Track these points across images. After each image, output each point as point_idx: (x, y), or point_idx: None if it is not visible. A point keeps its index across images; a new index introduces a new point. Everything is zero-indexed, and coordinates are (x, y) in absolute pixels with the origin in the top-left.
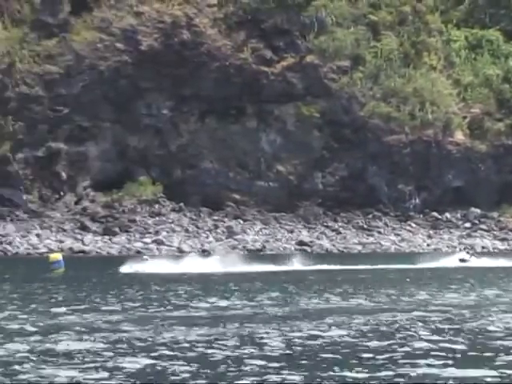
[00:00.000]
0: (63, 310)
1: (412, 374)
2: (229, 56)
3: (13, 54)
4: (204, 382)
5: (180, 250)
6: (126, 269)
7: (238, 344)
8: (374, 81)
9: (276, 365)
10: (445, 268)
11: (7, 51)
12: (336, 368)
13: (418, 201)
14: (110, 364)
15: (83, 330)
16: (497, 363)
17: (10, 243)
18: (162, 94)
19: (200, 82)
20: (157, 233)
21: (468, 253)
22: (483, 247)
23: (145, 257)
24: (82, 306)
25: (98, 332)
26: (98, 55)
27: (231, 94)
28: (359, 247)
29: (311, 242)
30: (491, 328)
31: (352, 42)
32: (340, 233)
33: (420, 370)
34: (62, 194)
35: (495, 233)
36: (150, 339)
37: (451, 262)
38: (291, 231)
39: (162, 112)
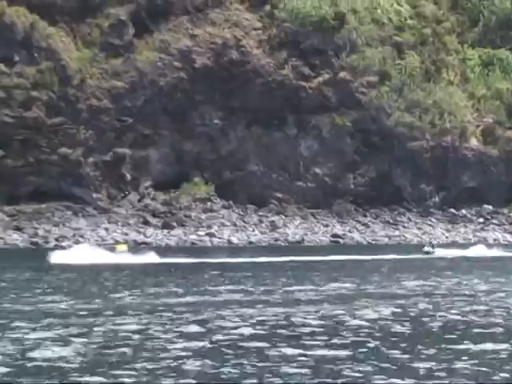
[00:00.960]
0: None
1: None
2: (272, 73)
3: (84, 71)
4: None
5: (230, 242)
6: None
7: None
8: (399, 94)
9: None
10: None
11: (79, 69)
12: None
13: (437, 199)
14: None
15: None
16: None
17: (82, 236)
18: (213, 105)
19: (247, 95)
20: (209, 227)
21: (431, 245)
22: (495, 239)
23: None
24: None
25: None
26: (158, 72)
27: (274, 106)
28: (386, 239)
29: (344, 234)
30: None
31: (379, 60)
32: (369, 227)
33: None
34: (126, 193)
35: (505, 227)
36: None
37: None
38: (326, 225)
39: (214, 121)
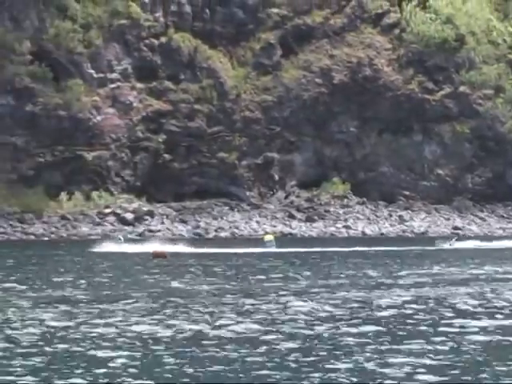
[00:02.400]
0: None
1: None
2: (400, 87)
3: (239, 87)
4: None
5: (363, 234)
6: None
7: None
8: None
9: None
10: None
11: (235, 85)
12: None
13: None
14: None
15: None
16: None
17: (237, 228)
18: (349, 116)
19: (378, 106)
20: (345, 220)
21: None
22: None
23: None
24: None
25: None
26: (302, 88)
27: (402, 116)
28: (500, 231)
29: (463, 227)
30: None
31: (495, 76)
32: (485, 220)
33: None
34: (274, 191)
35: None
36: None
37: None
38: (448, 219)
39: (350, 129)
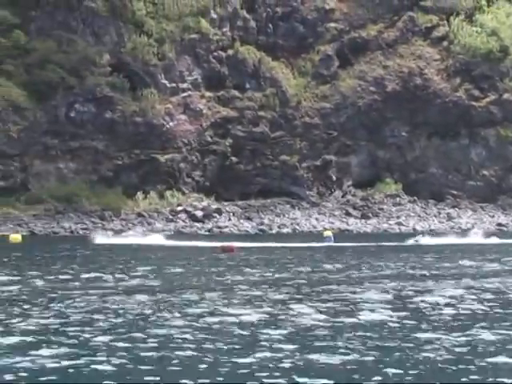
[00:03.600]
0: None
1: None
2: (448, 95)
3: (299, 95)
4: None
5: (414, 229)
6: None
7: None
8: None
9: None
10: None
11: (296, 93)
12: None
13: None
14: None
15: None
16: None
17: (297, 224)
18: (401, 121)
19: (428, 113)
20: (398, 217)
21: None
22: None
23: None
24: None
25: None
26: (357, 95)
27: (450, 121)
28: None
29: (507, 223)
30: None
31: None
32: None
33: None
34: (332, 190)
35: None
36: None
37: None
38: (492, 216)
39: (402, 134)
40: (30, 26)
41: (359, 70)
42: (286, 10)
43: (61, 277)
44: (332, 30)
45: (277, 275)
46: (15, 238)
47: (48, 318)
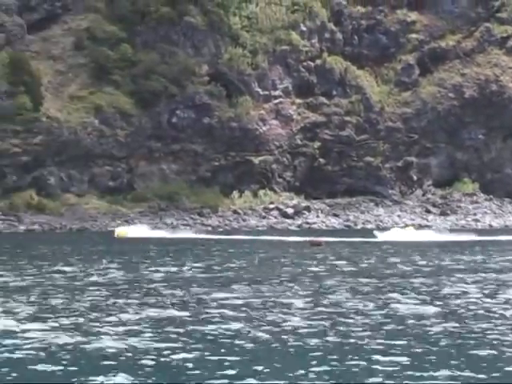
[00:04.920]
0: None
1: None
2: None
3: (383, 101)
4: None
5: (490, 226)
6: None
7: None
8: None
9: None
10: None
11: (379, 100)
12: None
13: None
14: None
15: None
16: None
17: (381, 221)
18: (478, 125)
19: (503, 117)
20: (474, 214)
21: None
22: None
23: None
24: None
25: None
26: (437, 101)
27: None
28: None
29: None
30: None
31: None
32: None
33: None
34: (413, 189)
35: None
36: None
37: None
38: None
39: (478, 137)
40: (136, 40)
41: (439, 78)
42: (370, 23)
43: (172, 269)
44: (413, 41)
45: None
46: (122, 232)
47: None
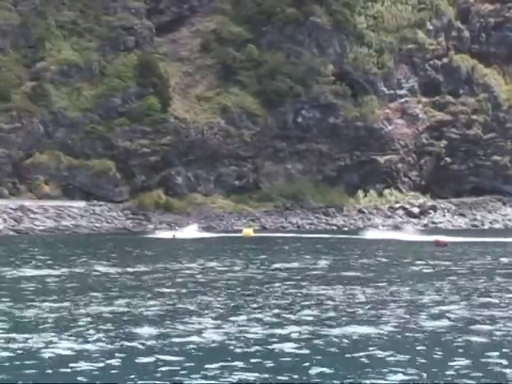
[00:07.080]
0: None
1: None
2: None
3: (511, 100)
4: None
5: None
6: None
7: None
8: None
9: None
10: None
11: (507, 98)
12: None
13: None
14: None
15: None
16: None
17: (509, 220)
18: None
19: None
20: None
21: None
22: None
23: None
24: None
25: None
26: None
27: None
28: None
29: None
30: None
31: None
32: None
33: None
34: None
35: None
36: None
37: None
38: None
39: None
40: (262, 41)
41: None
42: (498, 20)
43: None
44: None
45: None
46: (248, 232)
47: None
